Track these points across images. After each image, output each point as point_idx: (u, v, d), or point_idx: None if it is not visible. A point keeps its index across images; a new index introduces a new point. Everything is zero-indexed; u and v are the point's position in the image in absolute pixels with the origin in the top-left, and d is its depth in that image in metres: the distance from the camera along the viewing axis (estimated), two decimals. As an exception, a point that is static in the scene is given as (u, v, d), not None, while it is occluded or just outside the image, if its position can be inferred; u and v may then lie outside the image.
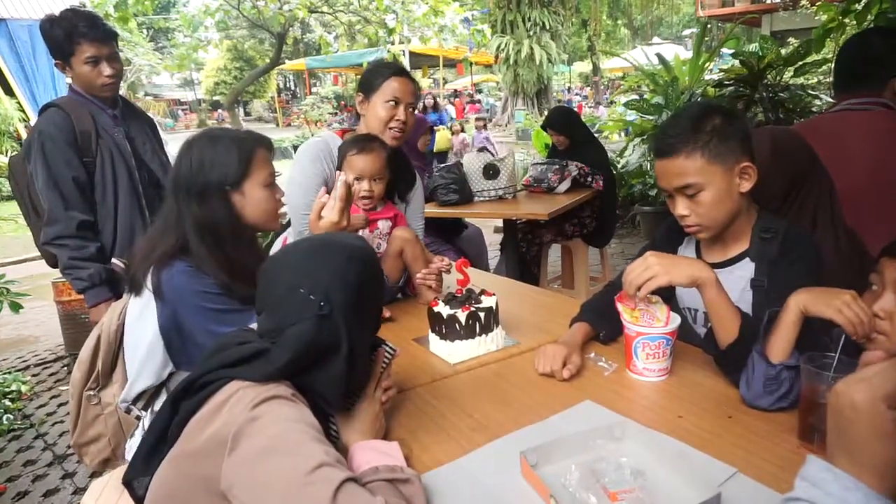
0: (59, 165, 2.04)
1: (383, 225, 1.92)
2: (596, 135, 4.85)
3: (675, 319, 1.28)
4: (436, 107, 11.54)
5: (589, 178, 3.67)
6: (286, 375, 0.94)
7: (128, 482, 0.98)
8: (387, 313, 1.73)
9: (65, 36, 2.05)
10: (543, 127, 4.10)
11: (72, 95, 2.17)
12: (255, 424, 0.84)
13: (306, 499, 0.77)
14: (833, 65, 2.04)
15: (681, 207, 1.31)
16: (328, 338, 0.97)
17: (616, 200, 4.18)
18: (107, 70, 2.14)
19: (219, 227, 1.37)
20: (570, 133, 3.85)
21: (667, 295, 1.34)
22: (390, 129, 1.91)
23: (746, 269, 1.34)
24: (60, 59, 2.11)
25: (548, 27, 15.63)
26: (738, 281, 1.34)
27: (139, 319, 1.39)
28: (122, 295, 1.50)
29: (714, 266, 1.38)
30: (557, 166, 3.66)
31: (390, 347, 1.14)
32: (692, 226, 1.32)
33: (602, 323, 1.47)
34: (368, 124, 1.94)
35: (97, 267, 2.05)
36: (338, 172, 1.72)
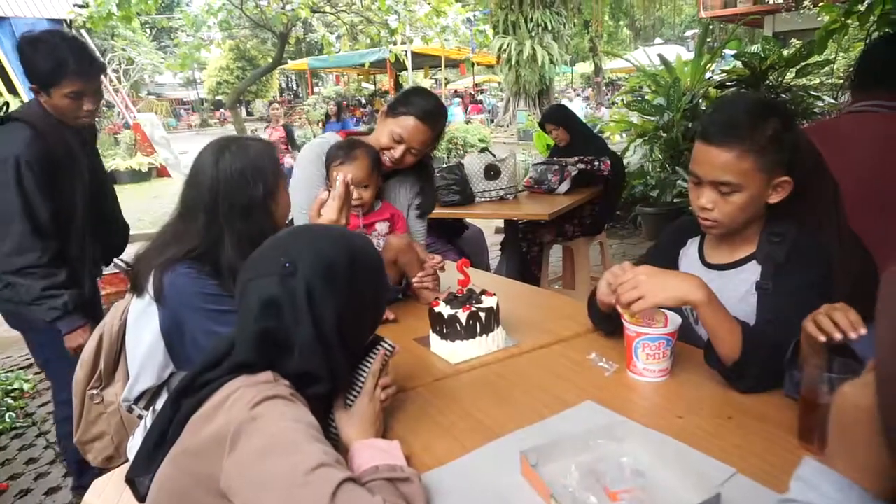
0: (36, 198, 1.89)
1: (381, 227, 1.92)
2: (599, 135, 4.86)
3: (676, 320, 1.28)
4: (338, 115, 9.54)
5: (596, 163, 3.65)
6: (264, 344, 0.96)
7: (130, 480, 0.99)
8: (390, 315, 1.74)
9: (50, 69, 1.88)
10: (541, 124, 4.10)
11: (42, 112, 1.97)
12: (255, 424, 0.85)
13: (305, 499, 0.78)
14: (855, 65, 2.05)
15: (706, 199, 1.28)
16: (289, 301, 0.97)
17: (624, 180, 4.21)
18: (88, 105, 1.99)
19: (262, 238, 1.36)
20: (568, 126, 3.85)
21: None
22: (383, 155, 1.89)
23: (752, 271, 1.33)
24: (38, 85, 1.92)
25: (550, 28, 15.62)
26: (743, 283, 1.33)
27: (140, 320, 1.39)
28: (97, 319, 1.48)
29: (719, 267, 1.38)
30: (557, 167, 3.66)
31: (389, 344, 1.15)
32: (709, 220, 1.30)
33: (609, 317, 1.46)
34: (373, 137, 1.93)
35: (70, 293, 1.94)
36: (335, 172, 1.72)
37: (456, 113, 16.96)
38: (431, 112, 1.87)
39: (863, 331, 1.01)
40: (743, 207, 1.26)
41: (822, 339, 1.02)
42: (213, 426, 0.88)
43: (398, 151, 1.87)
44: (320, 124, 18.83)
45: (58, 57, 1.88)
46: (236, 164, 1.36)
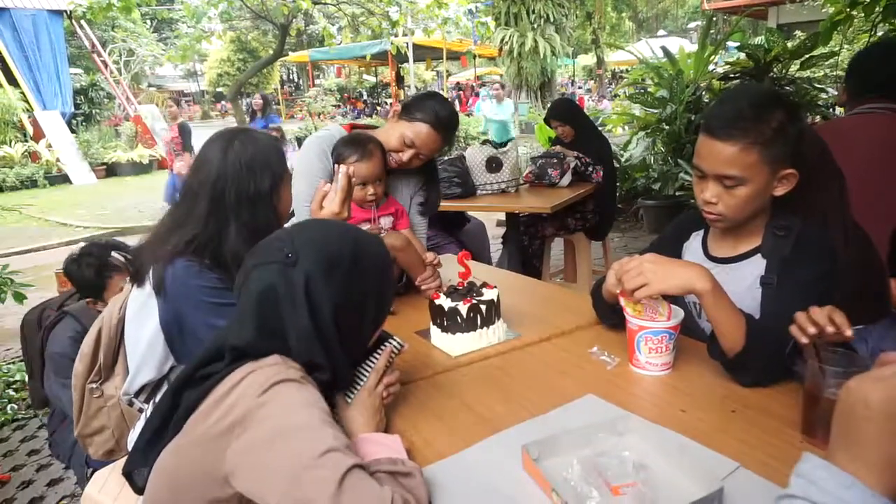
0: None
1: (385, 221, 1.91)
2: (599, 128, 4.83)
3: (679, 313, 1.27)
4: (264, 110, 8.30)
5: (589, 169, 3.65)
6: (261, 331, 0.96)
7: (127, 473, 0.99)
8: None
9: (95, 273, 1.99)
10: (546, 120, 4.08)
11: (93, 313, 2.03)
12: (264, 409, 0.85)
13: (312, 482, 0.78)
14: (850, 69, 2.04)
15: (710, 193, 1.26)
16: (287, 290, 0.97)
17: (615, 194, 4.16)
18: None
19: (266, 229, 1.35)
20: (574, 123, 3.82)
21: None
22: (390, 156, 1.88)
23: (757, 265, 1.31)
24: (91, 296, 2.03)
25: (552, 20, 15.50)
26: (747, 277, 1.32)
27: (139, 314, 1.39)
28: None
29: (723, 261, 1.37)
30: (556, 160, 3.64)
31: (398, 342, 1.14)
32: (713, 214, 1.29)
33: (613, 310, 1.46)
34: (381, 135, 1.92)
35: None
36: (336, 165, 1.71)
37: (484, 108, 16.26)
38: (446, 122, 1.86)
39: (848, 333, 1.01)
40: (748, 201, 1.25)
41: (805, 340, 1.03)
42: (220, 413, 0.88)
43: (406, 155, 1.86)
44: (322, 116, 18.79)
45: (97, 260, 1.99)
46: (245, 156, 1.37)
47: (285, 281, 0.98)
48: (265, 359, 0.93)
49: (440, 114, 1.84)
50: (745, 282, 1.32)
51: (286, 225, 1.93)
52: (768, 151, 1.20)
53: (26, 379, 3.38)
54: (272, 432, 0.83)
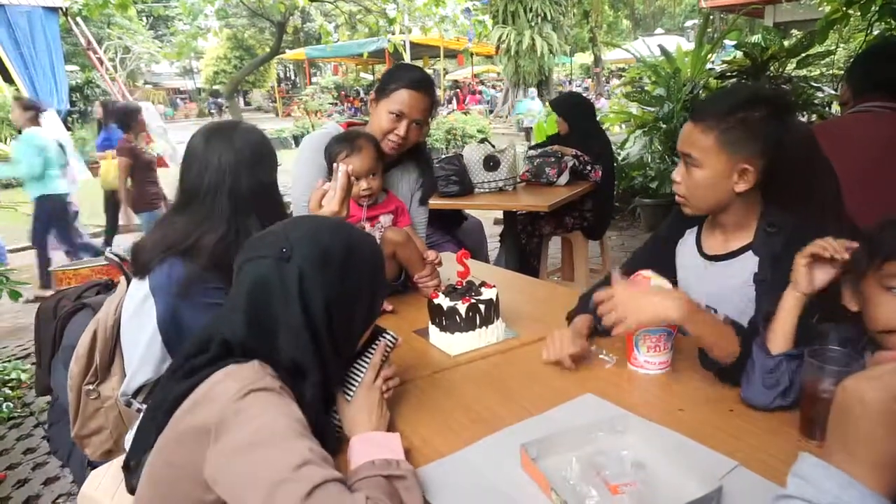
0: None
1: (385, 219, 1.90)
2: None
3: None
4: (106, 122, 6.20)
5: (588, 168, 3.63)
6: (251, 325, 0.96)
7: (126, 465, 0.99)
8: (389, 306, 1.73)
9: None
10: (552, 104, 4.08)
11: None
12: (239, 417, 0.84)
13: (284, 494, 0.77)
14: (852, 67, 2.04)
15: (677, 172, 1.35)
16: (280, 284, 0.97)
17: (613, 193, 4.16)
18: None
19: (282, 219, 1.37)
20: (568, 117, 3.81)
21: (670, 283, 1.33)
22: (388, 139, 1.86)
23: (749, 262, 1.32)
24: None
25: (549, 18, 15.53)
26: (740, 274, 1.32)
27: (136, 315, 1.38)
28: None
29: (715, 258, 1.38)
30: (553, 159, 3.63)
31: (391, 336, 1.14)
32: (679, 195, 1.36)
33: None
34: (371, 126, 1.91)
35: None
36: (336, 164, 1.71)
37: (531, 106, 15.40)
38: (421, 80, 1.86)
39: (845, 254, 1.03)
40: (704, 185, 1.28)
41: (827, 255, 1.05)
42: (197, 418, 0.87)
43: (402, 128, 1.84)
44: (318, 114, 18.72)
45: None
46: (250, 146, 1.38)
47: (279, 275, 0.97)
48: (246, 363, 0.91)
49: (412, 76, 1.84)
50: (738, 278, 1.33)
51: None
52: (725, 137, 1.24)
53: (21, 377, 3.39)
54: (248, 442, 0.82)
